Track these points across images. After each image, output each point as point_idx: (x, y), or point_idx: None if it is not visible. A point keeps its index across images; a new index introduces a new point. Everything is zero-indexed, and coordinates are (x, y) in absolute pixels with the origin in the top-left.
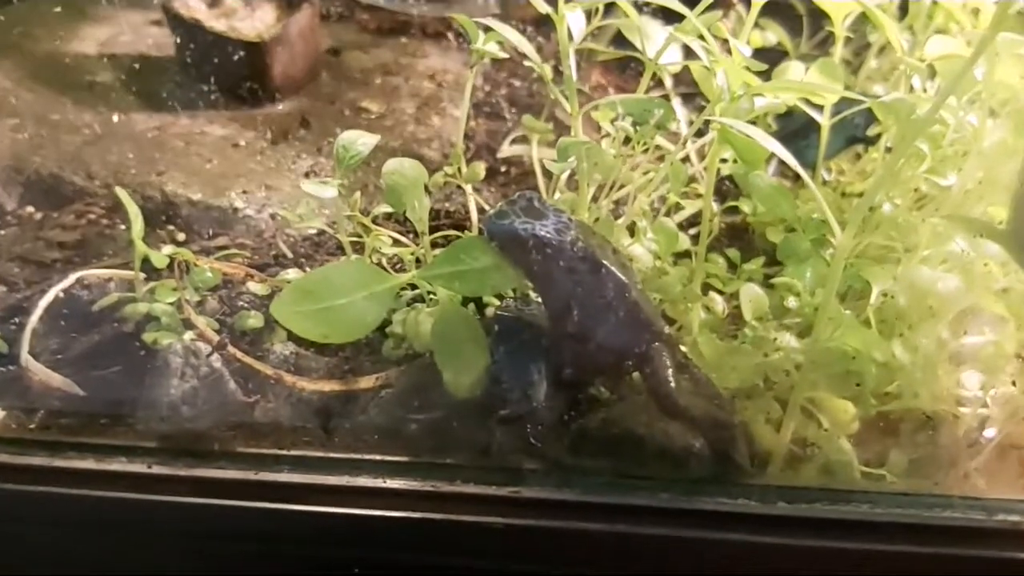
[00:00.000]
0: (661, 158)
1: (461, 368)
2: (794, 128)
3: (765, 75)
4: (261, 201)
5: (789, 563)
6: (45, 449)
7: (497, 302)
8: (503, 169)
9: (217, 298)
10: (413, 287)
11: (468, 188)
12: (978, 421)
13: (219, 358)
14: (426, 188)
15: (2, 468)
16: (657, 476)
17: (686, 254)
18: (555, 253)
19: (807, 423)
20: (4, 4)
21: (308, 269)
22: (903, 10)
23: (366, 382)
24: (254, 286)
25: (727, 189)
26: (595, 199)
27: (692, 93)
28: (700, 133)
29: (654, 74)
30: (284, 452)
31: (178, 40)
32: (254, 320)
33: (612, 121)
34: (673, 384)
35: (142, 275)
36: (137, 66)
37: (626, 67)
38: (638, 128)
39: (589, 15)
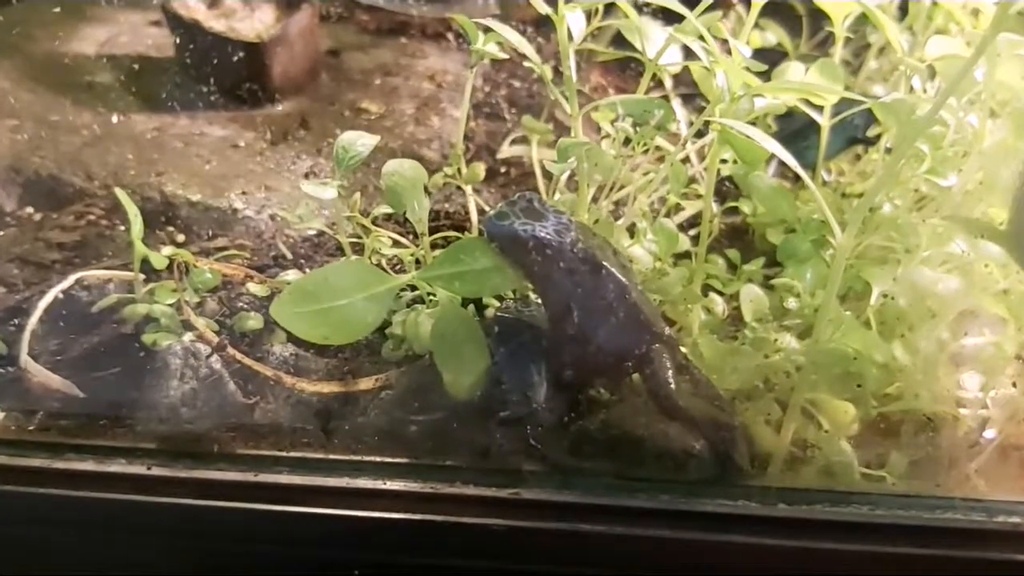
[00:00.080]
0: (661, 159)
1: (461, 369)
2: (794, 129)
3: (765, 76)
4: (261, 202)
5: (789, 565)
6: (44, 451)
7: (497, 303)
8: (503, 170)
9: (217, 299)
10: (413, 288)
11: (468, 189)
12: (978, 422)
13: (219, 359)
14: (426, 189)
15: (1, 469)
16: (657, 478)
17: (686, 255)
18: (555, 254)
19: (807, 424)
20: (3, 4)
21: (308, 270)
22: (903, 10)
23: (366, 383)
24: (254, 287)
25: (727, 190)
26: (595, 200)
27: (692, 94)
28: (700, 134)
29: (654, 75)
30: (284, 454)
31: (177, 41)
32: (254, 321)
33: (612, 122)
34: (673, 385)
35: (141, 276)
36: (136, 67)
37: (626, 68)
38: (638, 129)
39: (589, 16)
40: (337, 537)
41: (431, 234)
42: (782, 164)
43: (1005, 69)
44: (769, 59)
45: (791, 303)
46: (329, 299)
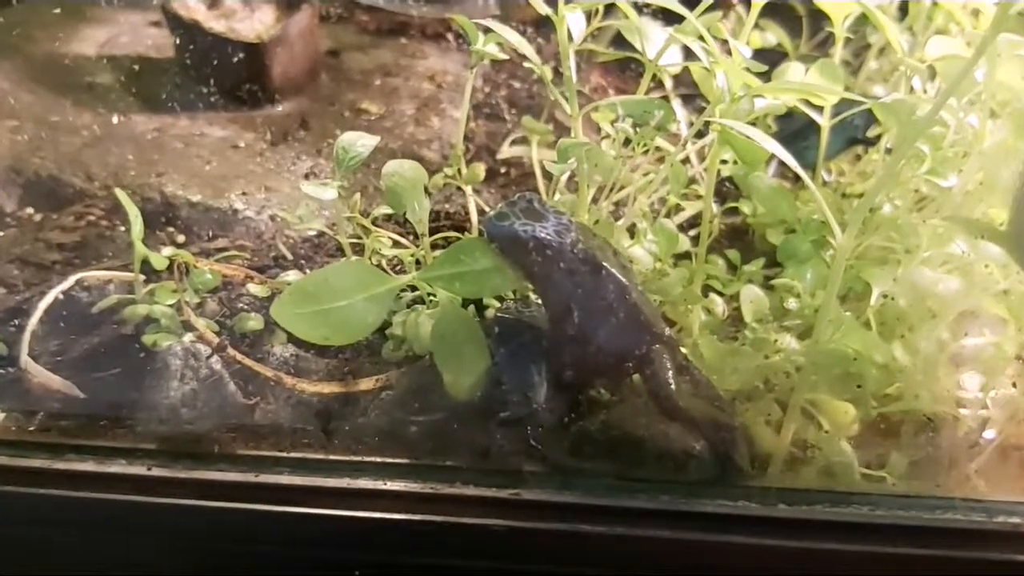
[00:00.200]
0: (661, 159)
1: (461, 370)
2: (794, 129)
3: (765, 76)
4: (261, 203)
5: (790, 565)
6: (45, 451)
7: (497, 304)
8: (503, 170)
9: (217, 300)
10: (413, 289)
11: (468, 189)
12: (979, 423)
13: (219, 360)
14: (426, 189)
15: (2, 470)
16: (657, 478)
17: (686, 255)
18: (555, 255)
19: (807, 425)
20: (3, 5)
21: (308, 271)
22: (903, 11)
23: (366, 384)
24: (254, 288)
25: (727, 190)
26: (595, 200)
27: (692, 94)
28: (700, 134)
29: (654, 75)
30: (284, 454)
31: (177, 41)
32: (254, 322)
33: (612, 122)
34: (673, 386)
35: (142, 277)
36: (136, 67)
37: (626, 68)
38: (638, 129)
39: (589, 16)
40: (337, 538)
41: (431, 235)
42: (782, 164)
43: (1005, 69)
44: (769, 60)
45: (791, 304)
46: (329, 300)
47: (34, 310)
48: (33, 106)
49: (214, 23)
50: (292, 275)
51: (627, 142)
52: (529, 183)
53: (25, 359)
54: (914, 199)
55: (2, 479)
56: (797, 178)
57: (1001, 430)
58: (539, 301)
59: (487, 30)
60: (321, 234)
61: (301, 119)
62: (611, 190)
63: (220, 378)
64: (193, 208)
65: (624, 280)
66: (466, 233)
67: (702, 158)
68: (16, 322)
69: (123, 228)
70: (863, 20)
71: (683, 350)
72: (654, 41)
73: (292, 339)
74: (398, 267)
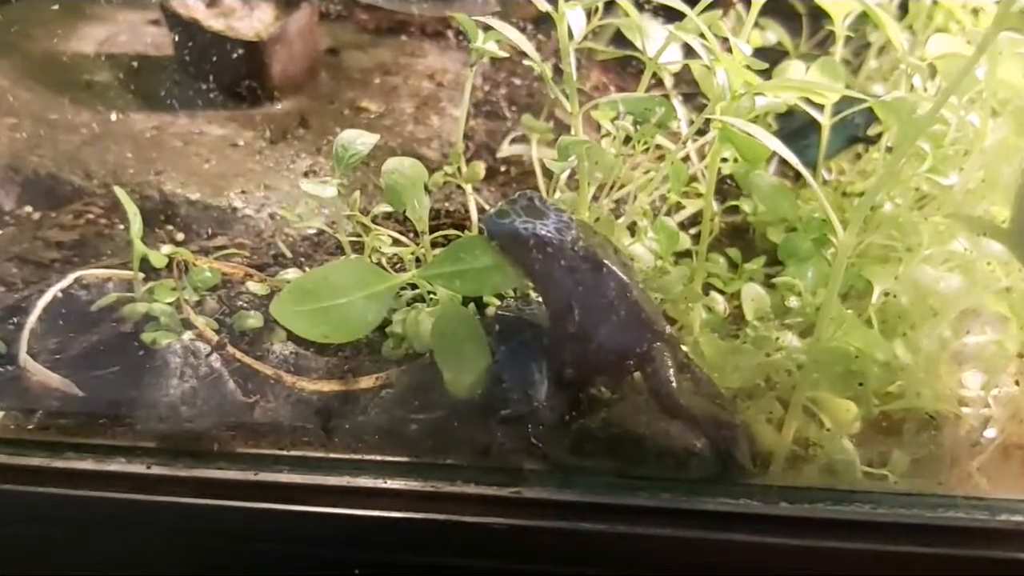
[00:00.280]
0: (661, 157)
1: (461, 368)
2: (795, 127)
3: (765, 74)
4: (260, 201)
5: (791, 564)
6: (44, 450)
7: (497, 302)
8: (503, 169)
9: (216, 298)
10: (413, 287)
11: (468, 188)
12: (980, 421)
13: (218, 358)
14: (426, 187)
15: (1, 468)
16: (658, 476)
17: (687, 253)
18: (556, 252)
19: (809, 423)
20: (2, 3)
21: (307, 269)
22: (903, 9)
23: (366, 382)
24: (253, 286)
25: (728, 188)
26: (595, 198)
27: (692, 92)
28: (701, 132)
29: (654, 73)
30: (284, 452)
31: (176, 39)
32: (253, 320)
33: (612, 120)
34: (674, 384)
35: (141, 275)
36: (135, 65)
37: (626, 66)
38: (638, 127)
39: (589, 14)
40: (337, 536)
41: (431, 233)
42: (783, 163)
43: (1006, 67)
44: (769, 58)
45: (792, 302)
46: (329, 298)
47: (33, 308)
48: (32, 104)
49: (213, 21)
50: (292, 273)
51: (627, 140)
52: (529, 181)
53: (24, 357)
54: (915, 197)
55: (1, 477)
56: (798, 176)
57: (1003, 428)
58: (540, 299)
59: (487, 28)
60: (320, 232)
61: (300, 117)
62: (611, 188)
63: (219, 376)
64: (192, 206)
65: (625, 278)
66: (466, 231)
67: (702, 156)
68: (15, 320)
69: (122, 226)
70: (863, 18)
71: (684, 348)
72: (654, 39)
73: (292, 337)
74: (398, 265)
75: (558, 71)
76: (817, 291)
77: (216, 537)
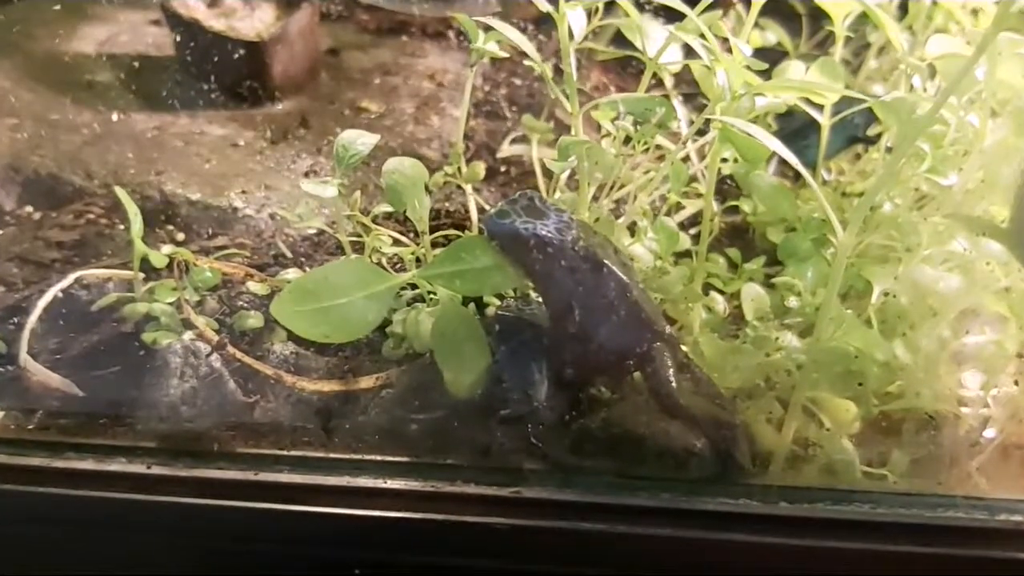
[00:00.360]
0: (661, 157)
1: (462, 368)
2: (794, 128)
3: (765, 75)
4: (260, 201)
5: (791, 563)
6: (44, 450)
7: (498, 302)
8: (503, 169)
9: (216, 298)
10: (413, 287)
11: (468, 188)
12: (980, 421)
13: (219, 358)
14: (426, 187)
15: (1, 468)
16: (658, 476)
17: (687, 254)
18: (556, 252)
19: (809, 423)
20: (3, 3)
21: (308, 269)
22: (903, 10)
23: (366, 382)
24: (254, 286)
25: (728, 188)
26: (596, 198)
27: (692, 92)
28: (701, 132)
29: (654, 73)
30: (284, 452)
31: (177, 39)
32: (254, 320)
33: (613, 120)
34: (674, 384)
35: (141, 275)
36: (136, 65)
37: (626, 66)
38: (639, 127)
39: (590, 14)
40: (337, 536)
41: (431, 233)
42: (782, 163)
43: (1006, 68)
44: (769, 58)
45: (792, 302)
46: (329, 297)
47: (33, 308)
48: (33, 104)
49: (214, 21)
50: (292, 273)
51: (627, 140)
52: (529, 181)
53: (24, 357)
54: (914, 197)
55: (1, 477)
56: (797, 176)
57: (1002, 428)
58: (540, 299)
59: (487, 28)
60: (321, 232)
61: (301, 117)
62: (612, 188)
63: (220, 376)
64: (193, 206)
65: (625, 278)
66: (466, 231)
67: (702, 156)
68: (15, 320)
69: (123, 226)
70: (863, 19)
71: (684, 348)
72: (654, 39)
73: (292, 337)
74: (398, 265)
75: (558, 71)
76: (817, 291)
77: (216, 537)
